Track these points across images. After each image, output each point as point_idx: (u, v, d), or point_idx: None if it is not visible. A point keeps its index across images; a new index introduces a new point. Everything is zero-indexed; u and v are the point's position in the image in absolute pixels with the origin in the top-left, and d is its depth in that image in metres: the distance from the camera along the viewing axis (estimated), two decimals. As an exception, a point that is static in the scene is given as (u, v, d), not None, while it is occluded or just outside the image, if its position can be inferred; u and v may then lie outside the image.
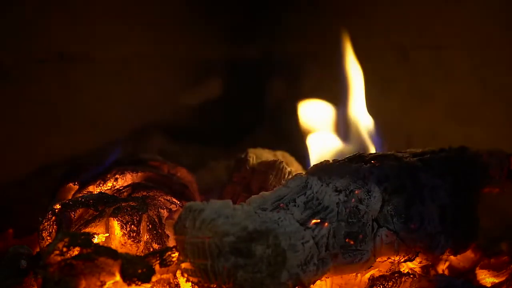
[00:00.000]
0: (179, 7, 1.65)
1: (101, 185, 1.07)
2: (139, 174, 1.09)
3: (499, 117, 1.39)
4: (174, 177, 1.13)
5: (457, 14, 1.44)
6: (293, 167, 1.13)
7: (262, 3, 1.78)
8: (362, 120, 1.17)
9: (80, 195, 1.05)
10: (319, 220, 0.85)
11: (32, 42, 1.41)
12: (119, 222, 0.96)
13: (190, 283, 0.84)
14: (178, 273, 0.89)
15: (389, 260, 0.93)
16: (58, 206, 0.98)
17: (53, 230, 0.97)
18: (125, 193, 1.06)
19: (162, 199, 1.04)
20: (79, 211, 0.99)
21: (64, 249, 0.81)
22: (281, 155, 1.22)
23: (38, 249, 1.01)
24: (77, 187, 1.08)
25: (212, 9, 1.71)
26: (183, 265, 0.81)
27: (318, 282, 0.89)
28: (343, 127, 1.18)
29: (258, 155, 1.15)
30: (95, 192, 1.05)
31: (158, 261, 0.84)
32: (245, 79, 1.82)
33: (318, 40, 1.69)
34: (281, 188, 0.89)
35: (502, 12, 1.37)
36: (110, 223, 0.96)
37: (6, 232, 1.17)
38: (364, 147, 1.14)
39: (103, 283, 0.81)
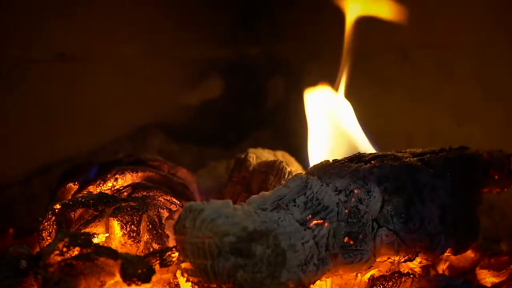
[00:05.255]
0: (179, 7, 1.65)
1: (101, 185, 1.07)
2: (139, 174, 1.09)
3: (499, 117, 1.39)
4: (174, 177, 1.13)
5: (457, 14, 1.44)
6: (293, 167, 1.13)
7: (262, 3, 1.78)
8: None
9: (80, 195, 1.05)
10: (319, 221, 0.85)
11: (32, 42, 1.40)
12: (119, 222, 0.96)
13: (190, 283, 0.84)
14: (178, 273, 0.89)
15: (389, 260, 0.93)
16: (58, 206, 0.98)
17: (53, 230, 0.97)
18: (125, 193, 1.06)
19: (162, 199, 1.04)
20: (79, 211, 0.99)
21: (64, 249, 0.81)
22: (281, 155, 1.22)
23: (38, 249, 1.01)
24: (77, 187, 1.08)
25: (212, 9, 1.72)
26: (183, 265, 0.81)
27: (318, 282, 0.89)
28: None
29: (258, 155, 1.15)
30: (95, 192, 1.05)
31: (158, 261, 0.84)
32: (245, 79, 1.82)
33: (318, 40, 1.69)
34: (281, 188, 0.89)
35: (502, 12, 1.37)
36: (110, 223, 0.96)
37: (6, 232, 1.17)
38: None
39: (103, 283, 0.81)
